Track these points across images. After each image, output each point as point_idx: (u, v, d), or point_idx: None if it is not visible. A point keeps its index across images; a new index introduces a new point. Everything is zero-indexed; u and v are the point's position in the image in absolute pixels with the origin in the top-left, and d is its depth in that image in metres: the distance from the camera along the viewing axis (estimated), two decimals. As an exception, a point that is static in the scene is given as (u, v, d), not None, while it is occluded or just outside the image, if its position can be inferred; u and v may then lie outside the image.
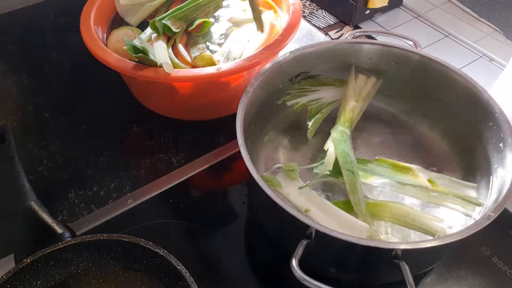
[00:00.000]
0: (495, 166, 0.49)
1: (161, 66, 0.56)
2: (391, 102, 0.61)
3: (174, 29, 0.63)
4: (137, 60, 0.59)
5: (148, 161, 0.64)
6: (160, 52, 0.59)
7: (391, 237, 0.49)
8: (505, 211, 0.42)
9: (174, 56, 0.62)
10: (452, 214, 0.50)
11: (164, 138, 0.67)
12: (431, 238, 0.47)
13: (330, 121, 0.60)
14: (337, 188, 0.54)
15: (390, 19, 2.32)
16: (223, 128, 0.68)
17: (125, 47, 0.60)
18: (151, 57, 0.58)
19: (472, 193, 0.50)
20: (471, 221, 0.48)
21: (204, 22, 0.67)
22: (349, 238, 0.39)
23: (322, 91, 0.60)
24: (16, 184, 0.52)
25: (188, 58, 0.64)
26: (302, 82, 0.60)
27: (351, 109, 0.58)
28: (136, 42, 0.60)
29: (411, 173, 0.53)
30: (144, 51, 0.58)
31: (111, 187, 0.60)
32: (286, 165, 0.54)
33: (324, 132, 0.59)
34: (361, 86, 0.60)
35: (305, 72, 0.60)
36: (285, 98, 0.59)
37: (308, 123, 0.59)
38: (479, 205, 0.49)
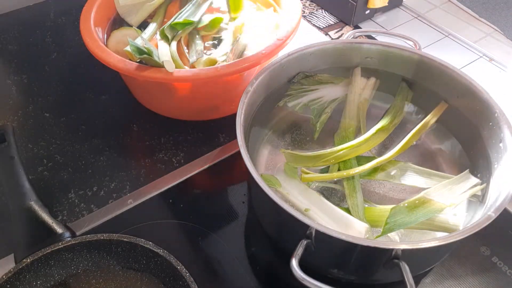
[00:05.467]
0: (495, 166, 0.49)
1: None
2: (391, 101, 0.61)
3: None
4: (137, 60, 0.59)
5: (148, 161, 0.64)
6: (163, 50, 0.59)
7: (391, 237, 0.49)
8: (505, 211, 0.42)
9: (177, 55, 0.62)
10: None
11: (164, 138, 0.67)
12: (431, 238, 0.47)
13: (330, 120, 0.60)
14: (340, 189, 0.54)
15: (390, 19, 2.32)
16: (223, 128, 0.68)
17: (127, 48, 0.60)
18: (155, 58, 0.58)
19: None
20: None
21: (215, 18, 0.67)
22: (349, 238, 0.39)
23: (322, 90, 0.60)
24: (16, 184, 0.52)
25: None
26: (300, 81, 0.60)
27: (355, 115, 0.58)
28: (138, 42, 0.60)
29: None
30: (148, 52, 0.58)
31: (111, 187, 0.60)
32: (286, 165, 0.54)
33: (324, 131, 0.59)
34: (361, 88, 0.60)
35: (302, 71, 0.60)
36: (286, 99, 0.59)
37: (314, 124, 0.59)
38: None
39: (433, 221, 0.47)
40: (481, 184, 0.50)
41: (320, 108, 0.60)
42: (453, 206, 0.48)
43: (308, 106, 0.60)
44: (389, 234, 0.48)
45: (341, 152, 0.53)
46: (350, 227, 0.47)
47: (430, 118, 0.56)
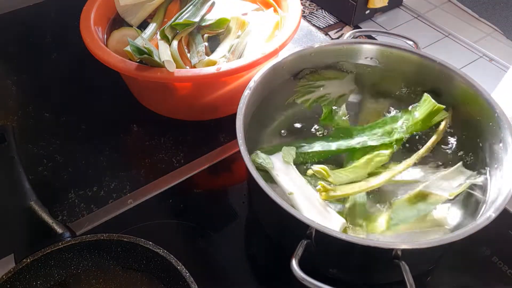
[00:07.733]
0: (495, 166, 0.49)
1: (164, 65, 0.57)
2: (391, 101, 0.61)
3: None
4: (137, 60, 0.59)
5: (148, 161, 0.64)
6: (163, 50, 0.59)
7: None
8: (505, 211, 0.42)
9: (178, 54, 0.62)
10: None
11: (164, 138, 0.67)
12: (431, 238, 0.47)
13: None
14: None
15: (390, 19, 2.32)
16: (223, 128, 0.68)
17: (127, 48, 0.60)
18: (156, 58, 0.58)
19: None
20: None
21: (221, 19, 0.67)
22: (349, 238, 0.39)
23: (328, 86, 0.60)
24: (16, 184, 0.52)
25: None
26: (306, 77, 0.59)
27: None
28: (138, 42, 0.60)
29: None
30: (148, 52, 0.58)
31: (111, 187, 0.60)
32: (285, 149, 0.53)
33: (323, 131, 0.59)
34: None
35: (307, 67, 0.59)
36: (294, 96, 0.59)
37: (330, 119, 0.58)
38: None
39: (431, 219, 0.47)
40: (476, 175, 0.50)
41: (329, 105, 0.59)
42: (452, 196, 0.49)
43: (318, 103, 0.59)
44: (389, 234, 0.48)
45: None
46: (327, 219, 0.46)
47: (442, 129, 0.55)
